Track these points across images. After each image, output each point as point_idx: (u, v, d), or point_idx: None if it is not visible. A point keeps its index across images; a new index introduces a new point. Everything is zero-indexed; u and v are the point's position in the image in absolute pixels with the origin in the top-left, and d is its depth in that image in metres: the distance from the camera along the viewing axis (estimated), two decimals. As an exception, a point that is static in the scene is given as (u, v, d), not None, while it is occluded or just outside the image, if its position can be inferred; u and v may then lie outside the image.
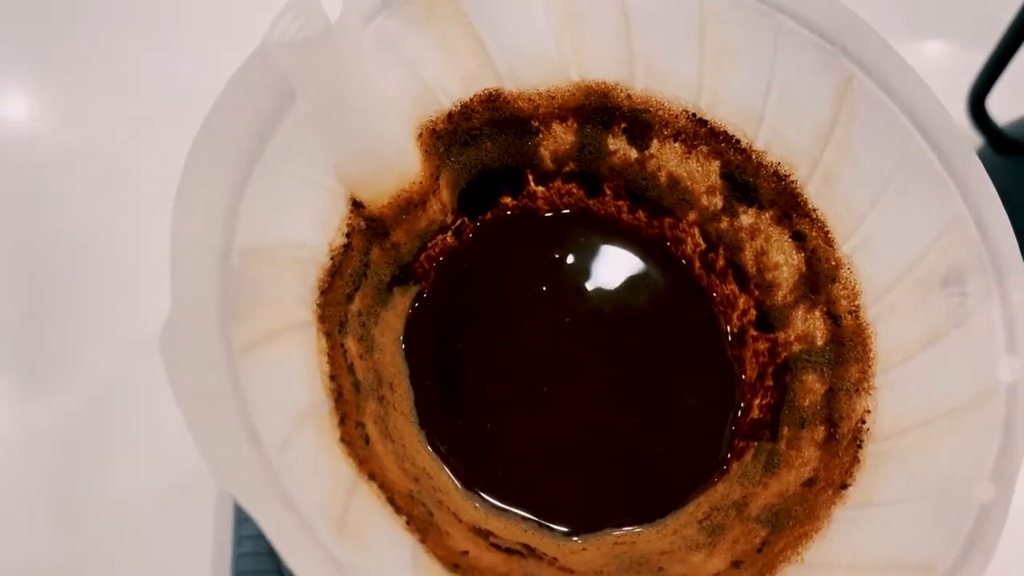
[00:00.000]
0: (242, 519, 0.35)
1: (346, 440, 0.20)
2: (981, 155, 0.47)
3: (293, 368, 0.20)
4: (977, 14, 0.53)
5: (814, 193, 0.25)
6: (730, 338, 0.27)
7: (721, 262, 0.27)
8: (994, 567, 0.19)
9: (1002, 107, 0.44)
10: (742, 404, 0.26)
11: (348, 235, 0.23)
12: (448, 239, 0.27)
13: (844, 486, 0.22)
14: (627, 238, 0.28)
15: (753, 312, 0.26)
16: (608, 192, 0.28)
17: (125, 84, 0.43)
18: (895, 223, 0.23)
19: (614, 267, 0.28)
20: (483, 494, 0.24)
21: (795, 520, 0.22)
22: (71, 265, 0.39)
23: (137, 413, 0.36)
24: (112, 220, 0.40)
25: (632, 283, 0.28)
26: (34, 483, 0.34)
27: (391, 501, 0.20)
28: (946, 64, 0.51)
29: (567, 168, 0.27)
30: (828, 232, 0.24)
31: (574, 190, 0.28)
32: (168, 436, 0.35)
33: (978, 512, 0.19)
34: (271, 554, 0.34)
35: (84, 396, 0.36)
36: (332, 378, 0.21)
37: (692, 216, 0.27)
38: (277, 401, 0.19)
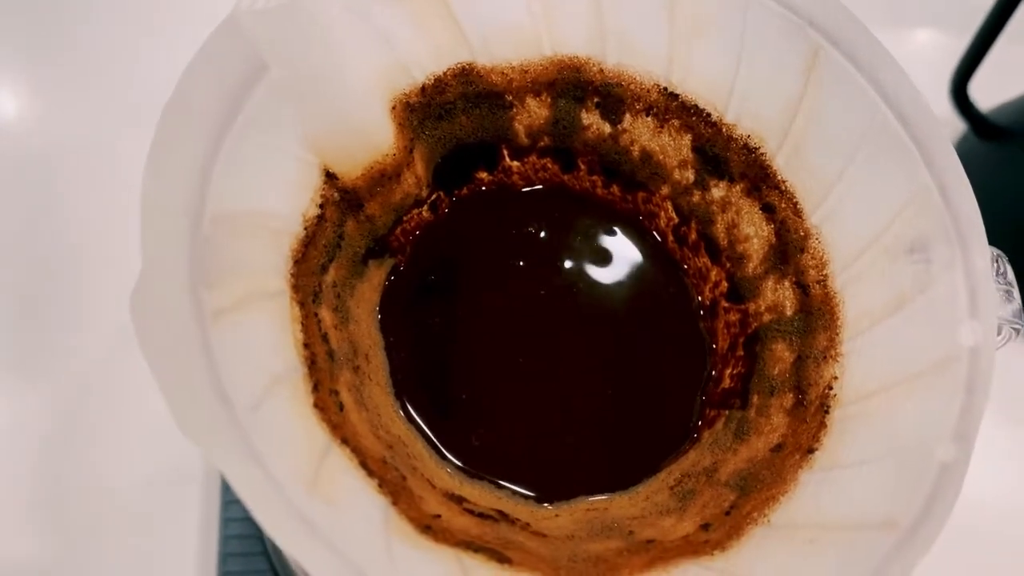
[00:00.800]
0: (228, 502, 0.35)
1: (319, 406, 0.21)
2: (964, 140, 0.47)
3: (265, 334, 0.20)
4: (961, 1, 0.53)
5: (783, 165, 0.25)
6: (702, 311, 0.28)
7: (693, 235, 0.27)
8: (953, 523, 0.19)
9: (986, 93, 0.44)
10: (713, 374, 0.27)
11: (322, 206, 0.23)
12: (424, 213, 0.27)
13: (811, 450, 0.22)
14: (601, 213, 0.28)
15: (725, 284, 0.27)
16: (582, 167, 0.28)
17: (116, 76, 0.43)
18: (862, 193, 0.24)
19: (588, 241, 0.28)
20: (458, 463, 0.24)
21: (763, 484, 0.22)
22: (56, 257, 0.39)
23: (123, 403, 0.36)
24: (101, 211, 0.40)
25: (606, 257, 0.28)
26: (20, 473, 0.34)
27: (364, 465, 0.20)
28: (931, 51, 0.51)
29: (542, 143, 0.27)
30: (797, 203, 0.25)
31: (549, 165, 0.28)
32: (153, 425, 0.35)
33: (939, 471, 0.20)
34: (258, 537, 0.35)
35: (70, 386, 0.36)
36: (306, 346, 0.21)
37: (665, 190, 0.27)
38: (248, 365, 0.19)
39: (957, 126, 0.47)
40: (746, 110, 0.25)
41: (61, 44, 0.44)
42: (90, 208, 0.40)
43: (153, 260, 0.18)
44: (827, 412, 0.23)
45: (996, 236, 0.41)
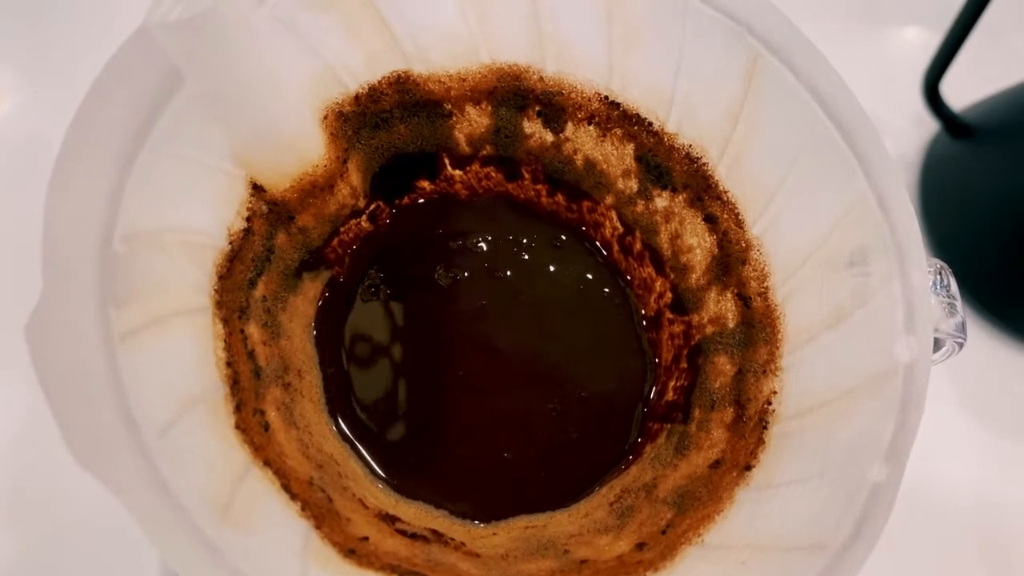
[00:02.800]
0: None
1: (241, 427, 0.20)
2: (936, 139, 0.47)
3: (183, 354, 0.20)
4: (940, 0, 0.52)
5: (724, 175, 0.24)
6: (646, 322, 0.27)
7: (638, 245, 0.27)
8: (885, 544, 0.19)
9: (959, 92, 0.44)
10: (657, 387, 0.26)
11: (248, 219, 0.22)
12: (363, 224, 0.26)
13: (748, 467, 0.22)
14: (547, 222, 0.28)
15: (669, 295, 0.26)
16: (527, 176, 0.27)
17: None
18: (802, 203, 0.23)
19: (534, 251, 0.28)
20: (393, 482, 0.24)
21: (699, 502, 0.22)
22: (20, 253, 0.38)
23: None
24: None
25: (551, 267, 0.28)
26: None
27: (286, 488, 0.20)
28: (911, 50, 0.51)
29: (484, 152, 0.27)
30: (739, 214, 0.24)
31: (492, 174, 0.27)
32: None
33: (870, 492, 0.19)
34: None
35: (34, 391, 0.36)
36: (228, 364, 0.21)
37: (609, 199, 0.27)
38: (161, 387, 0.18)
39: (930, 125, 0.46)
40: (687, 119, 0.25)
41: (46, 36, 0.43)
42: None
43: (55, 280, 0.17)
44: (766, 428, 0.22)
45: (966, 234, 0.41)
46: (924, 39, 0.50)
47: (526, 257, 0.28)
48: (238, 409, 0.20)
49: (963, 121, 0.44)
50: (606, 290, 0.27)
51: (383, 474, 0.24)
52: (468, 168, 0.27)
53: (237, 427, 0.20)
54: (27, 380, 0.35)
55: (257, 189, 0.23)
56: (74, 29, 0.44)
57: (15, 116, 0.41)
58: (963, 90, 0.45)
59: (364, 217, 0.26)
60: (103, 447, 0.16)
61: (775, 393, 0.23)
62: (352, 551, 0.20)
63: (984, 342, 0.40)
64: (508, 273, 0.27)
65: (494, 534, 0.24)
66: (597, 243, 0.28)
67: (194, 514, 0.17)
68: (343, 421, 0.24)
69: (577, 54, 0.25)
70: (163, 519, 0.16)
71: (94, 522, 0.34)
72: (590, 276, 0.28)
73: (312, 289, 0.25)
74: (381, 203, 0.27)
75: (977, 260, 0.41)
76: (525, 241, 0.28)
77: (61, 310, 0.17)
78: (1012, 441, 0.38)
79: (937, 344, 0.22)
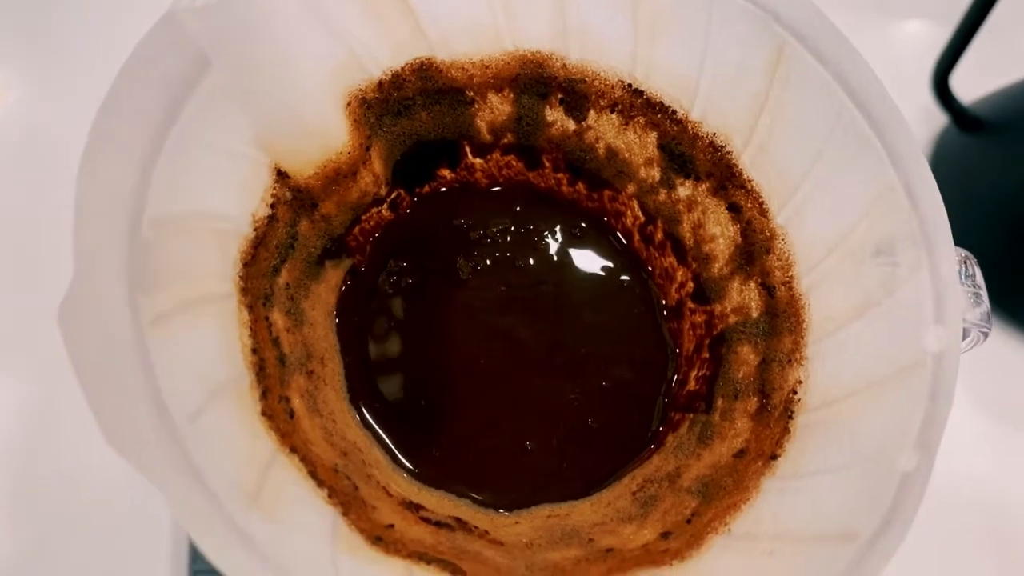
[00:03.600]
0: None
1: (267, 414, 0.20)
2: (945, 133, 0.47)
3: (210, 340, 0.20)
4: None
5: (749, 163, 0.24)
6: (667, 312, 0.27)
7: (660, 235, 0.27)
8: (914, 535, 0.19)
9: (968, 85, 0.44)
10: (679, 376, 0.26)
11: (273, 206, 0.22)
12: (384, 212, 0.26)
13: (774, 457, 0.22)
14: (567, 211, 0.28)
15: (691, 284, 0.26)
16: (547, 164, 0.27)
17: (109, 65, 0.42)
18: (828, 192, 0.23)
19: (554, 240, 0.28)
20: (416, 471, 0.24)
21: (725, 491, 0.22)
22: (23, 246, 0.38)
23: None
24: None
25: (572, 256, 0.27)
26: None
27: (312, 475, 0.20)
28: (919, 41, 0.51)
29: (505, 140, 0.27)
30: (763, 203, 0.24)
31: (513, 162, 0.27)
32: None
33: (900, 481, 0.19)
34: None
35: (45, 378, 0.36)
36: (254, 351, 0.21)
37: (631, 188, 0.27)
38: (189, 373, 0.18)
39: (939, 118, 0.46)
40: (712, 107, 0.24)
41: (49, 32, 0.43)
42: (60, 196, 0.39)
43: (86, 265, 0.17)
44: (791, 417, 0.22)
45: (975, 228, 0.41)
46: (931, 32, 0.50)
47: (547, 246, 0.27)
48: (264, 396, 0.20)
49: (973, 114, 0.44)
50: (626, 279, 0.27)
51: (405, 462, 0.24)
52: (489, 156, 0.27)
53: (263, 414, 0.20)
54: (37, 371, 0.35)
55: (281, 175, 0.22)
56: (78, 24, 0.43)
57: (16, 109, 0.41)
58: (969, 84, 0.45)
59: (385, 205, 0.26)
60: (136, 433, 0.16)
61: (800, 383, 0.23)
62: (379, 538, 0.20)
63: (994, 335, 0.40)
64: (529, 262, 0.27)
65: (517, 523, 0.23)
66: (618, 232, 0.28)
67: (224, 500, 0.17)
68: (365, 409, 0.24)
69: (601, 41, 0.25)
70: (196, 505, 0.16)
71: (106, 516, 0.34)
72: (611, 265, 0.28)
73: (334, 277, 0.25)
74: (402, 191, 0.26)
75: (987, 253, 0.41)
76: (545, 230, 0.28)
77: (93, 295, 0.17)
78: (1022, 434, 0.38)
79: (963, 334, 0.22)
